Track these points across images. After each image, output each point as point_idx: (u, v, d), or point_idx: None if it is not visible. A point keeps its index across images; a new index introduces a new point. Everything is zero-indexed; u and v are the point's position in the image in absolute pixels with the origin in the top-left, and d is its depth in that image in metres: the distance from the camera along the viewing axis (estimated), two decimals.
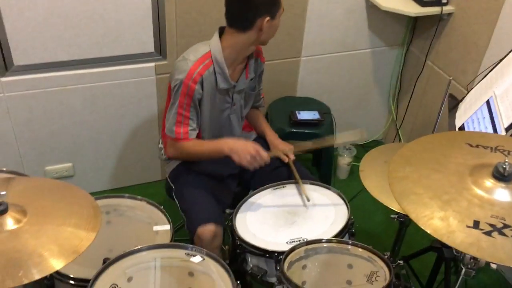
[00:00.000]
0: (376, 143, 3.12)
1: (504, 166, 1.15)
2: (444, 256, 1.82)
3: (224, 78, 1.81)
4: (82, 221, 1.25)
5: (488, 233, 1.07)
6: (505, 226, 1.08)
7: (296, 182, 1.92)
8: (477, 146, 1.31)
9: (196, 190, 1.88)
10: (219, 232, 1.78)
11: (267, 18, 1.71)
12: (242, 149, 1.76)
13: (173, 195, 1.96)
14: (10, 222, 1.19)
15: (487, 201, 1.14)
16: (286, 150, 2.00)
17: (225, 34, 1.79)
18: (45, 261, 1.13)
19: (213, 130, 1.94)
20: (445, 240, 1.07)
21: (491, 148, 1.30)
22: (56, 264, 1.13)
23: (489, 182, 1.17)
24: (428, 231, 1.09)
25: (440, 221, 1.10)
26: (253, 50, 1.85)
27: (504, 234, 1.06)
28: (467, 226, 1.08)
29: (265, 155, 1.78)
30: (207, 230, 1.74)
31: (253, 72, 1.94)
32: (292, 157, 1.99)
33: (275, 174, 1.99)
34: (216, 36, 1.80)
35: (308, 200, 1.83)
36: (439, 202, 1.15)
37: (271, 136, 2.09)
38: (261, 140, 2.15)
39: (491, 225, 1.08)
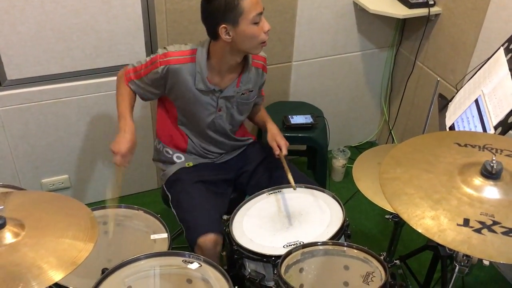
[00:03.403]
0: (369, 145, 3.15)
1: (491, 164, 1.17)
2: (440, 254, 1.84)
3: (202, 79, 1.83)
4: (79, 232, 1.26)
5: (478, 231, 1.09)
6: (494, 223, 1.10)
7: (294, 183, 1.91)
8: (465, 145, 1.34)
9: (193, 199, 1.89)
10: (219, 240, 1.80)
11: (223, 26, 1.70)
12: (119, 140, 1.81)
13: (170, 204, 1.97)
14: (8, 236, 1.21)
15: (476, 199, 1.16)
16: (281, 143, 1.96)
17: (211, 42, 1.82)
18: (44, 273, 1.14)
19: (201, 129, 1.96)
20: (436, 238, 1.09)
21: (479, 147, 1.32)
22: (55, 275, 1.14)
23: (478, 180, 1.19)
24: (420, 231, 1.11)
25: (431, 220, 1.12)
26: (239, 59, 1.83)
27: (493, 231, 1.08)
28: (458, 224, 1.10)
29: (122, 159, 1.80)
30: (208, 240, 1.76)
31: (252, 84, 1.94)
32: (285, 152, 1.95)
33: (270, 178, 2.01)
34: (207, 40, 1.82)
35: (295, 189, 1.86)
36: (430, 201, 1.17)
37: (271, 126, 2.05)
38: (258, 143, 2.17)
39: (480, 222, 1.10)
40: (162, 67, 1.79)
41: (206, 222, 1.81)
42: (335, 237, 1.69)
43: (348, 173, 2.90)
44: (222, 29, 1.71)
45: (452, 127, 1.71)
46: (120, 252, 1.69)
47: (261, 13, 1.72)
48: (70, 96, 2.30)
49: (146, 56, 1.88)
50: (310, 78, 2.75)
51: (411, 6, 2.46)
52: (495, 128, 1.50)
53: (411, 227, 1.13)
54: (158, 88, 1.87)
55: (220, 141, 2.03)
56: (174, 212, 1.93)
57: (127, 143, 1.81)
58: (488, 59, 1.77)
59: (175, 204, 1.94)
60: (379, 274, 1.51)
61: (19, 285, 1.10)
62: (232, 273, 1.70)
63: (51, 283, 1.13)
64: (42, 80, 2.22)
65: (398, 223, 1.98)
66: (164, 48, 1.83)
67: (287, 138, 2.21)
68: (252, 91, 1.96)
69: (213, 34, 1.76)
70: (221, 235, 1.80)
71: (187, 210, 1.88)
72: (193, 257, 1.57)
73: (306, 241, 1.65)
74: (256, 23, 1.71)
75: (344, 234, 1.75)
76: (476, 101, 1.66)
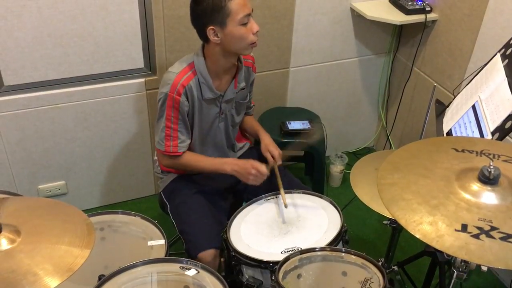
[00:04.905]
0: (367, 151, 3.15)
1: (489, 170, 1.17)
2: (438, 260, 1.83)
3: (209, 87, 1.82)
4: (75, 238, 1.25)
5: (476, 236, 1.08)
6: (492, 228, 1.10)
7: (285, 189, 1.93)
8: (463, 150, 1.34)
9: (193, 211, 1.89)
10: (218, 254, 1.81)
11: (211, 27, 1.70)
12: (244, 170, 1.83)
13: (169, 212, 1.96)
14: (4, 243, 1.20)
15: (474, 205, 1.16)
16: (274, 153, 1.97)
17: (205, 46, 1.83)
18: (40, 280, 1.13)
19: (202, 138, 1.95)
20: (434, 244, 1.08)
21: (477, 152, 1.32)
22: (51, 282, 1.13)
23: (476, 186, 1.19)
24: (418, 236, 1.11)
25: (429, 226, 1.12)
26: (233, 61, 1.84)
27: (491, 237, 1.08)
28: (456, 230, 1.10)
29: (264, 171, 1.83)
30: (208, 255, 1.76)
31: (244, 82, 1.94)
32: (279, 162, 1.97)
33: (267, 184, 1.99)
34: (200, 48, 1.83)
35: (286, 207, 1.86)
36: (428, 207, 1.16)
37: (264, 136, 2.06)
38: (255, 149, 2.17)
39: (478, 228, 1.10)
40: (182, 96, 1.77)
41: (206, 238, 1.80)
42: (333, 243, 1.68)
43: (345, 178, 2.89)
44: (210, 30, 1.71)
45: (449, 133, 1.71)
46: (117, 259, 1.68)
47: (249, 14, 1.71)
48: (67, 102, 2.29)
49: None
50: (308, 84, 2.75)
51: (408, 12, 2.48)
52: (493, 133, 1.50)
53: (409, 232, 1.13)
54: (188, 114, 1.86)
55: (220, 146, 2.02)
56: (173, 221, 1.93)
57: (247, 162, 1.85)
58: (485, 65, 1.78)
59: (174, 215, 1.94)
60: (377, 280, 1.50)
61: None
62: (229, 280, 1.69)
63: None
64: (39, 86, 2.22)
65: (396, 229, 1.98)
66: (162, 86, 1.80)
67: (284, 143, 2.22)
68: (244, 89, 1.97)
69: (203, 36, 1.77)
70: (220, 248, 1.81)
71: (187, 223, 1.87)
72: (190, 263, 1.56)
73: (304, 247, 1.65)
74: (244, 24, 1.71)
75: (342, 240, 1.75)
76: (473, 107, 1.66)
